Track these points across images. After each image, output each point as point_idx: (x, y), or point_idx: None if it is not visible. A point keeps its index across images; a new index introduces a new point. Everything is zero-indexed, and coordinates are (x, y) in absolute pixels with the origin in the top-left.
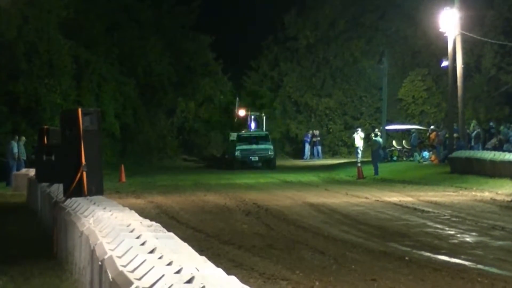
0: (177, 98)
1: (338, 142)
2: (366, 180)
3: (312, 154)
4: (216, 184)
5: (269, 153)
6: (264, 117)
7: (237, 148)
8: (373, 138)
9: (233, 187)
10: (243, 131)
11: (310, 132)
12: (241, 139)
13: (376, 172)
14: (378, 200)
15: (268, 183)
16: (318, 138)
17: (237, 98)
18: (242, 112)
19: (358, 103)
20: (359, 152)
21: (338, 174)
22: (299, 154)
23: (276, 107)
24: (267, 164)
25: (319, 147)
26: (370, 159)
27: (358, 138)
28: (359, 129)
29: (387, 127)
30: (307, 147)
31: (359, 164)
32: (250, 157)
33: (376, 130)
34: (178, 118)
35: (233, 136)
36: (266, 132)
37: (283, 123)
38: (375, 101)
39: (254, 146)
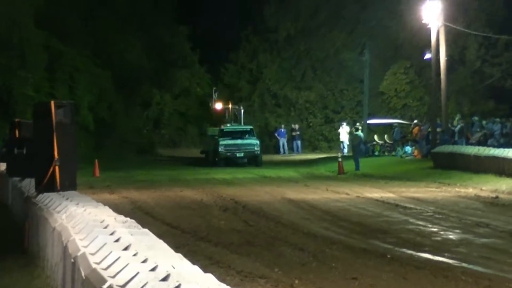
0: (152, 90)
1: (318, 137)
2: (347, 176)
3: (291, 148)
4: (193, 179)
5: (255, 148)
6: (242, 111)
7: (221, 143)
8: (354, 132)
9: (211, 183)
10: (227, 125)
11: (283, 126)
12: (225, 134)
13: (358, 167)
14: (359, 196)
15: (247, 179)
16: (298, 133)
17: (215, 91)
18: (219, 106)
19: (339, 96)
20: (345, 146)
21: (318, 169)
22: (277, 149)
23: (254, 100)
24: (253, 161)
25: (299, 142)
26: (351, 153)
27: (344, 132)
28: (344, 123)
29: (368, 121)
30: (281, 142)
31: (340, 159)
32: (235, 153)
33: (358, 124)
34: (153, 111)
35: (212, 130)
36: (251, 126)
37: (262, 117)
38: (357, 94)
39: (239, 141)
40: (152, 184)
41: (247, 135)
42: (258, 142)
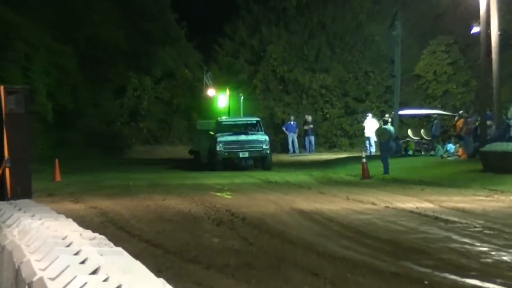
0: (128, 72)
1: (337, 132)
2: (373, 181)
3: (303, 146)
4: (178, 185)
5: (264, 146)
6: (242, 98)
7: (219, 139)
8: (382, 126)
9: (201, 189)
10: (224, 117)
11: (292, 118)
12: (223, 127)
13: (386, 170)
14: (388, 207)
15: (246, 184)
16: (311, 126)
17: (207, 74)
18: (212, 92)
19: (363, 80)
20: (371, 144)
21: (337, 173)
22: (286, 146)
23: (256, 86)
24: (261, 163)
25: (312, 138)
26: (379, 153)
27: (369, 126)
28: (370, 115)
29: (400, 112)
30: (290, 138)
31: (364, 160)
32: (238, 153)
33: (386, 115)
34: (129, 99)
35: (202, 124)
36: (258, 118)
37: (266, 106)
38: (385, 78)
39: (242, 137)
40: (127, 191)
41: (252, 129)
42: (267, 138)
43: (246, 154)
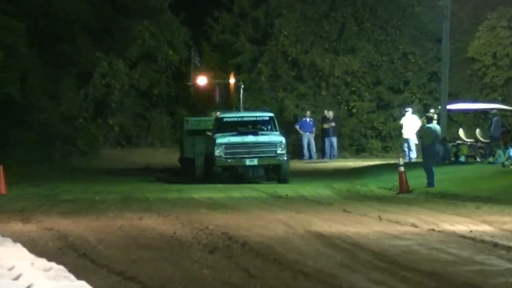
0: (95, 54)
1: (366, 131)
2: (413, 195)
3: (322, 150)
4: (159, 199)
5: (279, 151)
6: (242, 87)
7: (218, 141)
8: (426, 124)
9: (188, 205)
10: (224, 111)
11: (308, 114)
12: (225, 126)
13: (431, 182)
14: (433, 230)
15: (247, 199)
16: (332, 124)
17: (196, 56)
18: (203, 80)
19: (401, 65)
20: (412, 148)
21: (367, 185)
22: (299, 150)
23: (262, 71)
24: (275, 173)
25: (334, 139)
26: (421, 159)
27: (409, 124)
28: (409, 110)
29: (449, 107)
30: (306, 140)
31: (401, 169)
32: (244, 160)
33: (431, 111)
34: (96, 88)
35: (192, 123)
36: (271, 113)
37: (274, 98)
38: (430, 62)
39: (250, 139)
40: (93, 207)
41: (264, 128)
42: (283, 140)
43: (255, 162)
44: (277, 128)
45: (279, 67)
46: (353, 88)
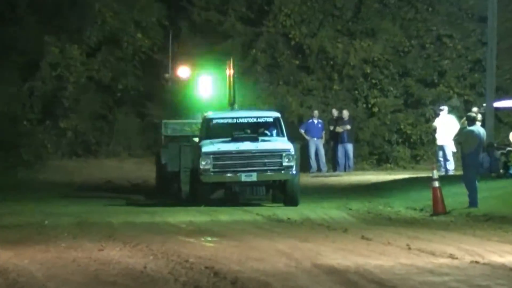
0: (43, 38)
1: (391, 136)
2: (451, 218)
3: (335, 160)
4: (126, 224)
5: (286, 162)
6: (233, 78)
7: (204, 150)
8: (467, 127)
9: (163, 232)
10: (213, 111)
11: (316, 114)
12: (215, 130)
13: (474, 201)
14: (477, 262)
15: (238, 223)
16: (348, 127)
17: (172, 39)
18: (184, 71)
19: (435, 51)
20: (450, 158)
21: (391, 205)
22: (305, 160)
23: (257, 59)
24: (282, 192)
25: (349, 146)
26: (460, 172)
27: (445, 126)
28: (445, 108)
29: (496, 104)
30: (313, 147)
31: (436, 184)
32: (239, 174)
33: (474, 110)
34: (45, 82)
35: (173, 127)
36: (276, 114)
37: (272, 93)
38: (471, 47)
39: (247, 146)
40: (41, 233)
41: (266, 133)
42: (291, 147)
43: (253, 177)
44: (284, 133)
45: (279, 54)
46: (374, 81)
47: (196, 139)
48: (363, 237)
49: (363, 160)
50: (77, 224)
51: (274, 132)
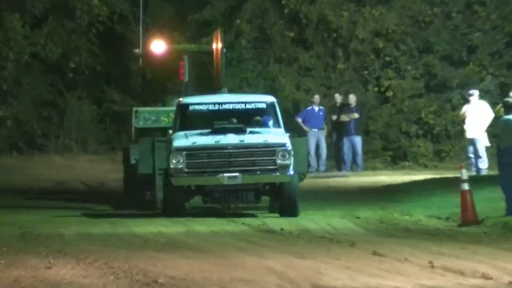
0: None
1: (409, 127)
2: (484, 229)
3: (339, 158)
4: (80, 236)
5: (280, 160)
6: (222, 54)
7: (175, 145)
8: (504, 116)
9: (127, 245)
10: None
11: (317, 99)
12: (190, 118)
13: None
14: None
15: (220, 236)
16: (356, 116)
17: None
18: (159, 46)
19: (463, 21)
20: (481, 154)
21: (410, 212)
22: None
23: (242, 31)
24: (277, 199)
25: (358, 140)
26: (495, 171)
27: (476, 116)
28: (477, 93)
29: None
30: (313, 139)
31: (465, 187)
32: (220, 176)
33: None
34: None
35: (146, 116)
36: (271, 98)
37: (261, 74)
38: (509, 16)
39: (230, 139)
40: None
41: (257, 123)
42: (287, 141)
43: (238, 179)
44: (281, 123)
45: (270, 26)
46: (388, 58)
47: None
48: (374, 253)
49: (374, 157)
50: (19, 236)
51: (269, 122)
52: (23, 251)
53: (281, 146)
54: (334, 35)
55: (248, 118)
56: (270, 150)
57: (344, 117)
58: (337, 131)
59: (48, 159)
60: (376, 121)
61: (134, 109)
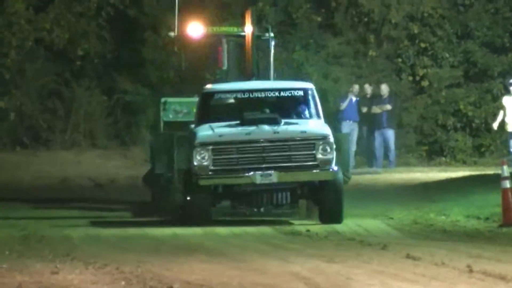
0: None
1: (447, 119)
2: None
3: (370, 153)
4: (88, 239)
5: (322, 155)
6: (254, 37)
7: (199, 138)
8: None
9: (139, 249)
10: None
11: (355, 89)
12: (215, 107)
13: None
14: None
15: (240, 238)
16: (388, 107)
17: None
18: (196, 29)
19: (505, 4)
20: None
21: (447, 212)
22: None
23: (265, 14)
24: (318, 202)
25: (390, 133)
26: None
27: None
28: None
29: None
30: (349, 131)
31: (508, 184)
32: (254, 175)
33: None
34: None
35: (177, 108)
36: (309, 85)
37: (286, 61)
38: None
39: (263, 132)
40: None
41: (292, 113)
42: (329, 133)
43: (273, 177)
44: (320, 113)
45: (295, 9)
46: (423, 45)
47: (193, 126)
48: (408, 256)
49: (408, 152)
50: (23, 238)
51: (306, 111)
52: (26, 255)
53: (322, 139)
54: (365, 19)
55: (282, 108)
56: (309, 143)
57: (376, 109)
58: (368, 124)
59: (54, 154)
60: (410, 113)
61: (162, 99)
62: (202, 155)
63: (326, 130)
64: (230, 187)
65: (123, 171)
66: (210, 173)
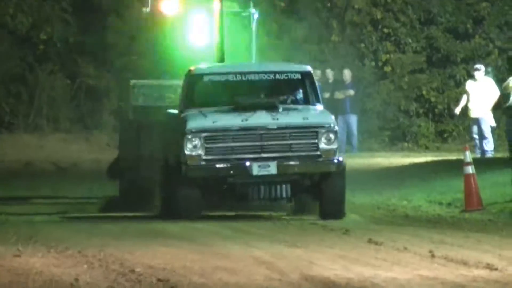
0: None
1: (409, 105)
2: (489, 215)
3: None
4: (51, 223)
5: (325, 145)
6: (222, 16)
7: (189, 125)
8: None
9: (102, 233)
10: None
11: (329, 74)
12: (205, 91)
13: None
14: None
15: (206, 223)
16: (351, 93)
17: None
18: (171, 4)
19: None
20: (486, 135)
21: (409, 198)
22: None
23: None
24: (319, 195)
25: (352, 119)
26: (504, 153)
27: (482, 93)
28: (483, 68)
29: None
30: None
31: (470, 170)
32: (250, 166)
33: None
34: None
35: (147, 92)
36: (306, 68)
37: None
38: None
39: (260, 119)
40: None
41: (289, 98)
42: (332, 120)
43: (272, 168)
44: (320, 98)
45: None
46: (386, 30)
47: (173, 111)
48: (370, 241)
49: (371, 137)
50: None
51: (304, 97)
52: None
53: (325, 127)
54: (328, 4)
55: (278, 93)
56: (311, 131)
57: (339, 95)
58: (331, 110)
59: (17, 138)
60: (373, 98)
61: (131, 82)
62: (194, 144)
63: (329, 117)
64: (223, 178)
65: (86, 155)
66: (202, 163)
